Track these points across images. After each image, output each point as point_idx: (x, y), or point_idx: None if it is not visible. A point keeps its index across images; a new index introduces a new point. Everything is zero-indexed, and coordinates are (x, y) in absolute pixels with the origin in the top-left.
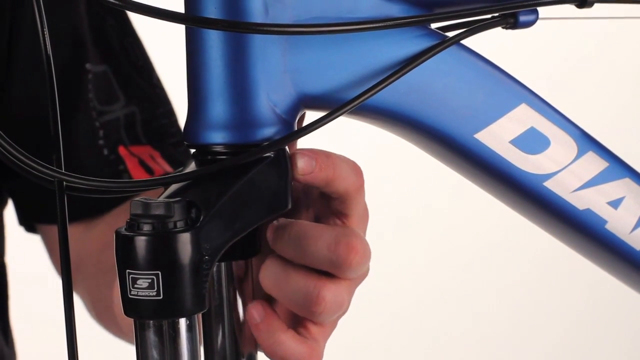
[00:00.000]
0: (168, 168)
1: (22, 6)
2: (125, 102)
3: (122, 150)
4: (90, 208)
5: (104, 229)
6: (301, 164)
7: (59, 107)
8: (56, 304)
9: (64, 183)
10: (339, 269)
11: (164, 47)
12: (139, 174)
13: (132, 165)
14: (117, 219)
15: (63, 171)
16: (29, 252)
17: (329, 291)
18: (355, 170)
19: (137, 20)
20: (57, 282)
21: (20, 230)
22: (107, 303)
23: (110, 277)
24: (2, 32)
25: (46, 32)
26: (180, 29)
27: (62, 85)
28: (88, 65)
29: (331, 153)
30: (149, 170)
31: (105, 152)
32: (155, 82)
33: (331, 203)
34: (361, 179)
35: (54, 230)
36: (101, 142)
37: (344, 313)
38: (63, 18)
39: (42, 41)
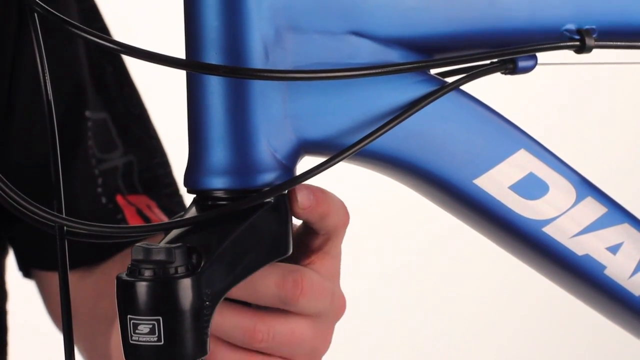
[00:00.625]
0: (164, 218)
1: (23, 53)
2: (123, 150)
3: (119, 199)
4: (86, 256)
5: (99, 277)
6: (301, 198)
7: (61, 150)
8: (56, 352)
9: (65, 228)
10: (287, 304)
11: (161, 93)
12: (136, 223)
13: (129, 214)
14: (113, 267)
15: (64, 216)
16: (30, 300)
17: (276, 324)
18: (344, 207)
19: (134, 66)
20: (56, 330)
21: (23, 279)
22: (103, 351)
23: (105, 325)
24: (2, 78)
25: (47, 79)
26: (177, 75)
27: (61, 131)
28: (87, 113)
29: (324, 189)
30: (147, 220)
31: (104, 200)
32: (151, 132)
33: (314, 240)
34: (348, 216)
35: (49, 276)
36: (99, 190)
37: (320, 349)
38: (63, 64)
39: (43, 87)
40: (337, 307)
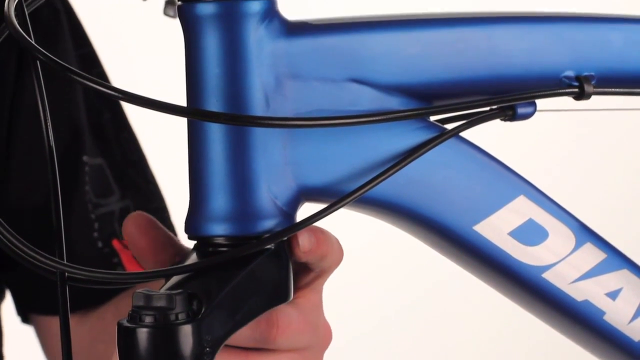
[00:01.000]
0: None
1: (22, 96)
2: (120, 195)
3: (116, 243)
4: (84, 301)
5: (95, 321)
6: (302, 241)
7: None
8: None
9: (66, 274)
10: (266, 344)
11: (161, 138)
12: (133, 268)
13: (126, 258)
14: (107, 311)
15: (65, 262)
16: (27, 345)
17: None
18: (340, 245)
19: (134, 110)
20: None
21: (21, 324)
22: None
23: None
24: (1, 122)
25: (49, 126)
26: (178, 120)
27: (59, 175)
28: (85, 158)
29: (323, 229)
30: None
31: (100, 244)
32: (149, 177)
33: (304, 277)
34: (343, 254)
35: (48, 320)
36: (95, 234)
37: None
38: (62, 109)
39: (45, 133)
40: (322, 337)
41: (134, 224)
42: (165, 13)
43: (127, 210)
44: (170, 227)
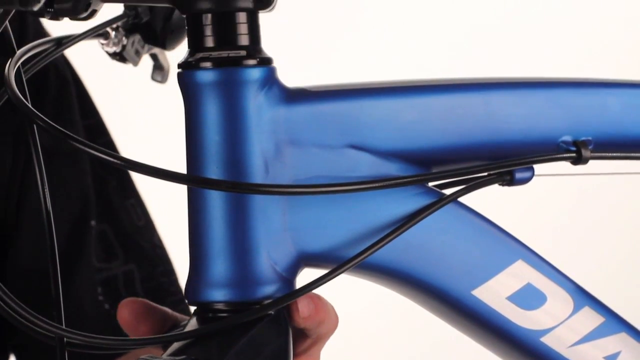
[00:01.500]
0: None
1: (31, 171)
2: (123, 260)
3: None
4: None
5: None
6: (302, 307)
7: (63, 261)
8: None
9: (65, 339)
10: None
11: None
12: None
13: None
14: None
15: (64, 327)
16: None
17: None
18: (335, 312)
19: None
20: None
21: None
22: None
23: None
24: (12, 188)
25: (47, 195)
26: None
27: (67, 239)
28: (93, 222)
29: (320, 295)
30: None
31: (106, 306)
32: (156, 241)
33: (301, 344)
34: (338, 320)
35: None
36: (101, 297)
37: None
38: (72, 175)
39: (43, 203)
40: None
41: (129, 311)
42: (153, 78)
43: (131, 273)
44: (178, 290)
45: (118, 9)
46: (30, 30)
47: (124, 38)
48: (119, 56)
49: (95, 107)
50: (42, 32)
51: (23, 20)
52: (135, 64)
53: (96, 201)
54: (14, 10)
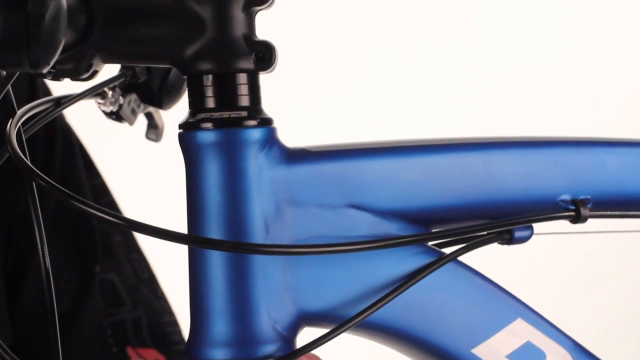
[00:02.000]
0: None
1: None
2: (131, 307)
3: (130, 350)
4: None
5: None
6: None
7: (69, 303)
8: None
9: None
10: None
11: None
12: None
13: None
14: None
15: None
16: None
17: None
18: None
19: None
20: None
21: None
22: None
23: None
24: (22, 233)
25: (45, 248)
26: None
27: (71, 282)
28: (97, 268)
29: (318, 356)
30: None
31: (114, 349)
32: (159, 294)
33: None
34: None
35: None
36: (110, 340)
37: None
38: (78, 222)
39: (41, 255)
40: None
41: None
42: (148, 137)
43: (138, 320)
44: (182, 340)
45: (115, 68)
46: (40, 90)
47: (120, 97)
48: (115, 115)
49: (97, 169)
50: (49, 93)
51: (32, 80)
52: (131, 123)
53: (103, 251)
54: (18, 72)
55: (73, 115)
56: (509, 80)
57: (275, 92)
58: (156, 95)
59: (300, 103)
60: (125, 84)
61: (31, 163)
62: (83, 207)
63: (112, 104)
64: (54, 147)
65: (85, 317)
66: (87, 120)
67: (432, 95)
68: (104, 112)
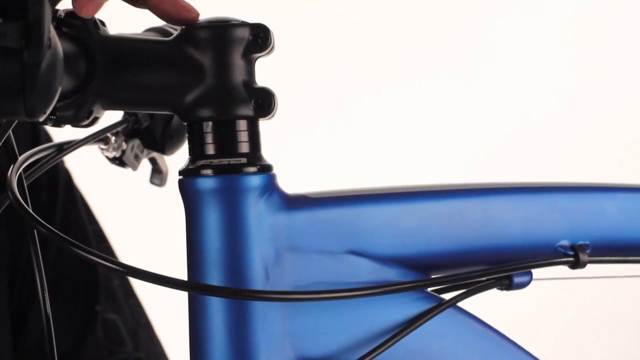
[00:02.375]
0: None
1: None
2: (133, 348)
3: None
4: None
5: None
6: None
7: (72, 342)
8: None
9: None
10: None
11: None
12: None
13: None
14: None
15: None
16: None
17: None
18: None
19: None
20: None
21: None
22: None
23: None
24: (26, 273)
25: (47, 300)
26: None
27: (75, 320)
28: (98, 307)
29: None
30: None
31: None
32: (156, 340)
33: None
34: None
35: None
36: None
37: None
38: (81, 260)
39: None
40: None
41: None
42: (152, 182)
43: None
44: None
45: (118, 114)
46: (42, 135)
47: (123, 143)
48: (119, 161)
49: (94, 214)
50: (51, 139)
51: (35, 126)
52: (135, 168)
53: (104, 292)
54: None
55: (71, 159)
56: (509, 126)
57: (276, 137)
58: (159, 141)
59: (300, 148)
60: (128, 130)
61: (33, 207)
62: (83, 253)
63: (115, 149)
64: (56, 191)
65: (87, 355)
66: (85, 165)
67: (431, 139)
68: (107, 157)
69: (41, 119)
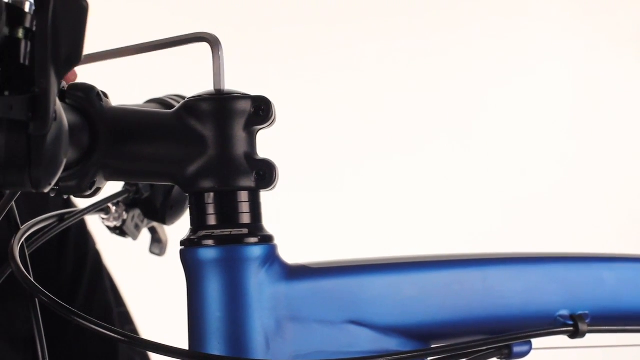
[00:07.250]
0: None
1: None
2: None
3: None
4: None
5: None
6: None
7: None
8: None
9: None
10: None
11: None
12: None
13: None
14: None
15: None
16: None
17: None
18: None
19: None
20: None
21: None
22: None
23: None
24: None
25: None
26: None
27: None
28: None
29: None
30: None
31: None
32: None
33: None
34: None
35: None
36: None
37: None
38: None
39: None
40: None
41: None
42: (152, 251)
43: None
44: None
45: (119, 184)
46: (51, 203)
47: (124, 213)
48: (119, 230)
49: (123, 298)
50: (58, 202)
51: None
52: (135, 238)
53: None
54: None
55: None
56: (509, 195)
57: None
58: (159, 211)
59: (301, 219)
60: (129, 200)
61: (56, 285)
62: (84, 322)
63: (115, 219)
64: (82, 272)
65: None
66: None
67: (431, 209)
68: (107, 227)
69: (46, 190)
